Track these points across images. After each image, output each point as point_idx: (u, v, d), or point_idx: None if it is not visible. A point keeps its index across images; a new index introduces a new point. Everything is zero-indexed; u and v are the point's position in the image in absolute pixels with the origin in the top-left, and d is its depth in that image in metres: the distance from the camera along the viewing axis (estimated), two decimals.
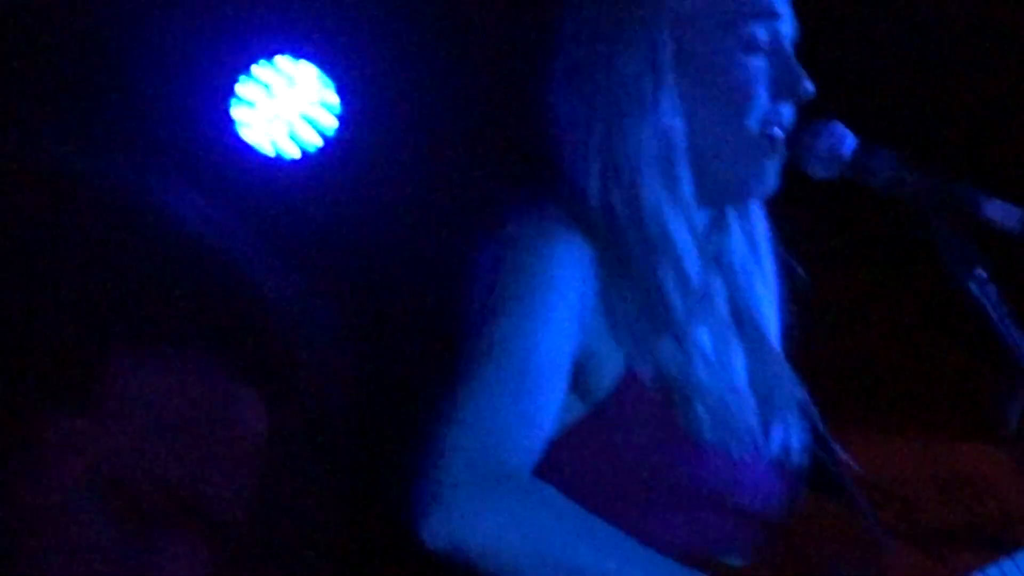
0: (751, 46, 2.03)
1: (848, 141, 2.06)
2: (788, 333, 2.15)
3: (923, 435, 4.33)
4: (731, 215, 2.12)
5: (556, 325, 1.91)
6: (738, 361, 2.08)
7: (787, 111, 2.05)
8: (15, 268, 0.99)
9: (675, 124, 2.02)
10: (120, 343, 0.98)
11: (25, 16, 3.81)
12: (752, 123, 2.03)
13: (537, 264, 1.93)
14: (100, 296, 0.97)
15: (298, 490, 1.11)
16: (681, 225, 2.02)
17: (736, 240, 2.12)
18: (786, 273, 2.15)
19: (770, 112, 2.04)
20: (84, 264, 0.98)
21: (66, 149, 1.06)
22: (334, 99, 4.15)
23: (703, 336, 2.02)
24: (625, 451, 1.96)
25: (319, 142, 4.17)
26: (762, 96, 2.03)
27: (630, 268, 1.98)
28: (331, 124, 4.17)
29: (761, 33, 2.04)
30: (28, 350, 0.96)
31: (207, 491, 1.00)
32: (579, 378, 1.95)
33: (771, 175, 2.06)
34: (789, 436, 2.06)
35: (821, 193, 2.13)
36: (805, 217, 2.13)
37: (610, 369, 1.97)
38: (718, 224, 2.11)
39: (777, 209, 2.14)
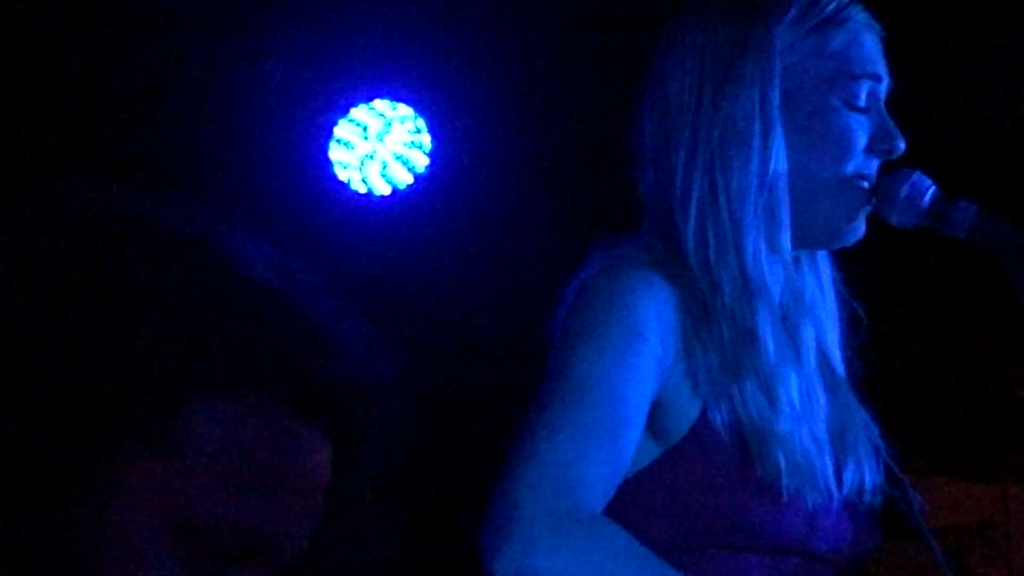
0: (853, 103, 2.06)
1: (928, 190, 2.07)
2: (852, 373, 2.16)
3: (1006, 477, 4.28)
4: (802, 255, 2.13)
5: (636, 367, 1.92)
6: (819, 405, 2.08)
7: (875, 165, 2.08)
8: (97, 312, 1.02)
9: (780, 169, 2.03)
10: (197, 389, 1.01)
11: (118, 59, 3.90)
12: (846, 174, 2.05)
13: (620, 306, 1.94)
14: (179, 342, 1.00)
15: (363, 531, 1.13)
16: (777, 272, 2.04)
17: (807, 280, 2.13)
18: (848, 313, 2.16)
19: (863, 165, 2.06)
20: (165, 310, 1.01)
21: (152, 194, 1.09)
22: (427, 140, 4.21)
23: (791, 382, 2.02)
24: (697, 495, 1.96)
25: (410, 180, 4.23)
26: (859, 148, 2.05)
27: (718, 312, 1.99)
28: (423, 163, 4.22)
29: (863, 91, 2.06)
30: (111, 393, 0.99)
31: (274, 532, 1.03)
32: (654, 420, 1.96)
33: (860, 224, 2.08)
34: (862, 477, 2.06)
35: (901, 238, 2.14)
36: (880, 260, 2.14)
37: (686, 413, 1.97)
38: (794, 265, 2.13)
39: (845, 252, 2.15)
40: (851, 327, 2.15)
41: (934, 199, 2.06)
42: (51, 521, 0.97)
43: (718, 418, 1.95)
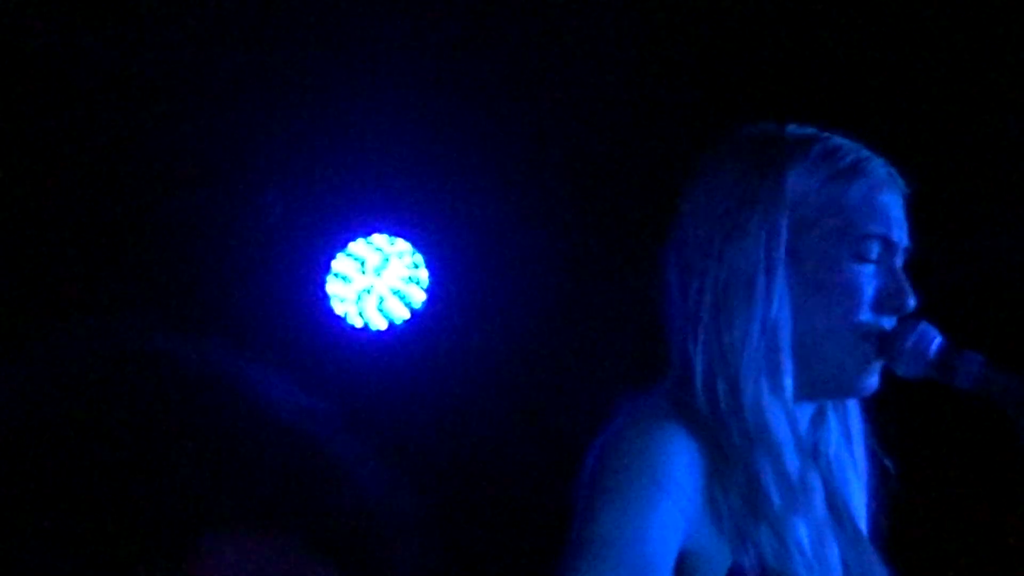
0: (863, 257, 2.06)
1: (935, 341, 2.07)
2: (877, 525, 2.14)
3: None
4: (828, 407, 2.13)
5: (660, 520, 1.92)
6: (833, 555, 2.06)
7: (888, 323, 2.08)
8: (120, 446, 1.02)
9: (782, 318, 2.03)
10: (215, 524, 1.00)
11: (115, 193, 3.93)
12: (854, 328, 2.05)
13: (641, 461, 1.95)
14: (199, 478, 1.01)
15: None
16: (781, 418, 2.03)
17: (832, 433, 2.13)
18: (876, 465, 2.15)
19: (873, 321, 2.06)
20: (187, 447, 1.02)
21: (160, 328, 1.10)
22: (425, 275, 4.23)
23: (800, 530, 2.01)
24: None
25: (407, 315, 4.24)
26: (867, 304, 2.06)
27: (732, 455, 1.99)
28: (420, 298, 4.24)
29: (875, 248, 2.07)
30: (130, 525, 0.99)
31: None
32: (683, 573, 1.95)
33: (871, 378, 2.07)
34: None
35: (918, 388, 2.14)
36: (898, 411, 2.14)
37: (716, 564, 1.96)
38: (817, 416, 2.12)
39: (871, 402, 2.15)
40: (881, 481, 2.14)
41: (941, 350, 2.07)
42: None
43: (746, 562, 1.95)
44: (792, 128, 2.12)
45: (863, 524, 2.14)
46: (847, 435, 2.13)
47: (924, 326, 2.07)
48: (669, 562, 1.92)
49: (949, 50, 3.77)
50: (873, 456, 2.15)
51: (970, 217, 3.90)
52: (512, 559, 3.95)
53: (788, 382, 2.03)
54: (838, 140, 2.11)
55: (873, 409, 2.15)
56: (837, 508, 2.10)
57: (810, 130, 2.12)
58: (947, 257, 3.68)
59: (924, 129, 3.72)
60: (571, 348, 4.15)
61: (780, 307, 2.03)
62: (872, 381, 2.08)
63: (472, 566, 3.93)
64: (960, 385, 2.05)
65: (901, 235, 2.10)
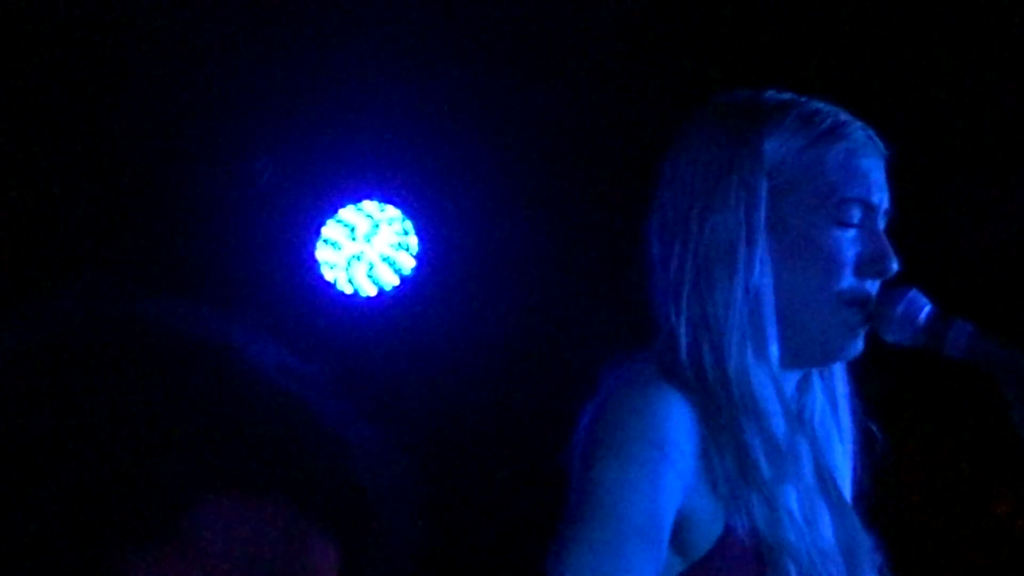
0: (844, 221, 2.06)
1: (924, 308, 2.07)
2: (863, 493, 2.15)
3: None
4: (814, 372, 2.13)
5: (659, 483, 1.94)
6: (823, 521, 2.07)
7: (872, 286, 2.07)
8: (109, 410, 1.02)
9: (765, 285, 2.04)
10: (206, 489, 1.00)
11: (101, 160, 3.92)
12: (837, 293, 2.05)
13: (639, 423, 1.96)
14: (190, 442, 1.00)
15: None
16: (767, 385, 2.04)
17: (817, 398, 2.13)
18: (863, 432, 2.15)
19: (856, 285, 2.06)
20: (177, 411, 1.01)
21: (149, 293, 1.10)
22: (415, 242, 4.23)
23: (790, 496, 2.02)
24: None
25: (396, 282, 4.24)
26: (849, 268, 2.05)
27: (721, 422, 2.00)
28: (410, 265, 4.24)
29: (856, 211, 2.06)
30: (121, 490, 0.99)
31: None
32: (678, 534, 1.96)
33: (855, 342, 2.07)
34: None
35: (901, 355, 2.14)
36: (883, 377, 2.14)
37: (710, 526, 1.98)
38: (802, 382, 2.12)
39: (858, 368, 2.15)
40: (866, 447, 2.15)
41: (930, 317, 2.07)
42: None
43: (739, 525, 1.96)
44: (769, 94, 2.12)
45: (847, 489, 2.15)
46: (832, 400, 2.14)
47: (913, 293, 2.07)
48: (669, 522, 1.93)
49: (931, 17, 3.77)
50: (858, 421, 2.15)
51: (955, 183, 3.90)
52: (501, 526, 3.96)
53: (773, 349, 2.04)
54: (816, 104, 2.11)
55: (859, 374, 2.15)
56: (822, 474, 2.11)
57: (787, 96, 2.12)
58: (933, 225, 3.68)
59: (904, 94, 3.72)
60: (561, 315, 4.16)
61: (762, 274, 2.03)
62: (856, 346, 2.08)
63: (462, 533, 3.95)
64: (949, 353, 2.05)
65: (882, 198, 2.10)
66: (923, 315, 2.07)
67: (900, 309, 2.07)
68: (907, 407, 3.67)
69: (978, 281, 3.76)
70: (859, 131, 2.10)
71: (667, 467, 1.94)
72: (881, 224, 2.10)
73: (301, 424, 1.05)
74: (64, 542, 0.97)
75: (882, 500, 2.16)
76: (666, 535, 1.93)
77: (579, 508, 1.92)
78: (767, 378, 2.04)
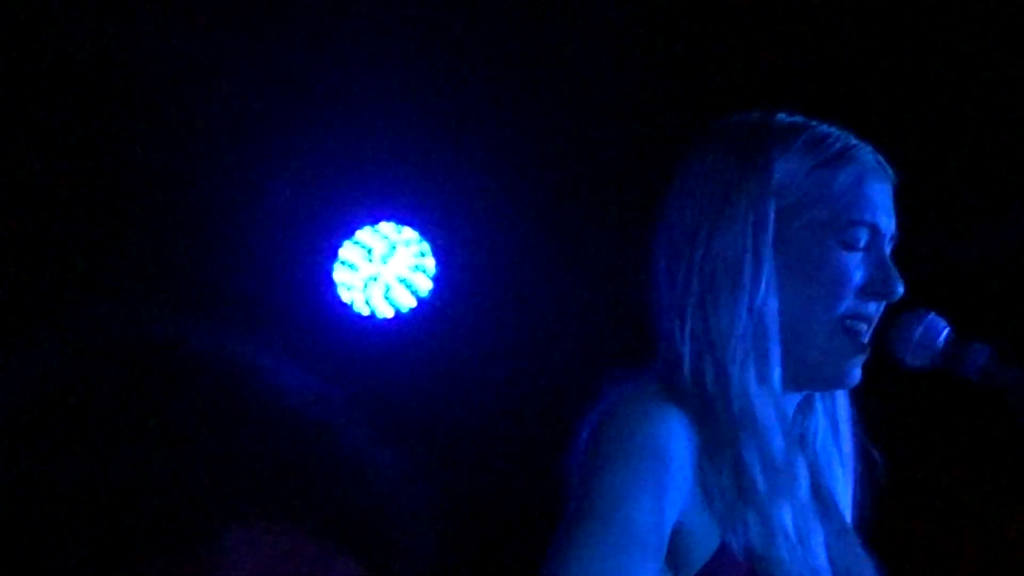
0: (850, 244, 2.06)
1: (942, 331, 2.07)
2: (862, 515, 2.15)
3: None
4: (816, 397, 2.13)
5: (658, 494, 1.94)
6: (817, 540, 2.07)
7: (875, 309, 2.07)
8: (134, 436, 1.02)
9: (769, 305, 2.04)
10: (230, 515, 1.00)
11: (122, 183, 3.94)
12: (838, 315, 2.05)
13: (639, 436, 1.96)
14: (214, 468, 1.00)
15: None
16: (768, 404, 2.04)
17: (819, 422, 2.13)
18: (863, 456, 2.15)
19: (856, 307, 2.06)
20: (202, 437, 1.01)
21: (174, 317, 1.10)
22: (431, 264, 4.23)
23: (785, 513, 2.02)
24: None
25: (413, 303, 4.25)
26: (852, 289, 2.05)
27: (720, 439, 2.00)
28: (426, 287, 4.24)
29: (862, 234, 2.07)
30: (145, 516, 0.99)
31: None
32: (674, 549, 1.96)
33: (855, 369, 2.07)
34: None
35: (915, 380, 2.14)
36: (895, 402, 2.14)
37: (705, 542, 1.98)
38: (804, 406, 2.13)
39: (865, 393, 2.15)
40: (867, 472, 2.15)
41: (949, 341, 2.07)
42: None
43: (734, 542, 1.96)
44: (780, 116, 2.12)
45: (848, 515, 2.14)
46: (834, 425, 2.14)
47: (932, 317, 2.07)
48: (666, 535, 1.93)
49: (939, 38, 3.77)
50: (861, 447, 2.15)
51: (964, 205, 3.89)
52: (520, 545, 3.96)
53: (776, 371, 2.04)
54: (826, 128, 2.11)
55: (862, 399, 2.15)
56: (823, 498, 2.11)
57: (798, 118, 2.12)
58: (942, 248, 3.67)
59: (914, 118, 3.72)
60: (576, 336, 4.16)
61: (767, 294, 2.04)
62: (855, 374, 2.08)
63: (481, 552, 3.94)
64: (967, 376, 2.05)
65: (888, 223, 2.10)
66: (941, 339, 2.07)
67: (919, 333, 2.07)
68: (914, 427, 3.67)
69: (989, 301, 3.75)
70: (868, 155, 2.11)
71: (668, 480, 1.94)
72: (887, 249, 2.10)
73: (325, 450, 1.05)
74: (90, 564, 0.97)
75: (887, 521, 2.16)
76: (664, 548, 1.93)
77: (579, 517, 1.92)
78: (768, 397, 2.04)
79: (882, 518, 2.15)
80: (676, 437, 1.97)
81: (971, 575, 4.20)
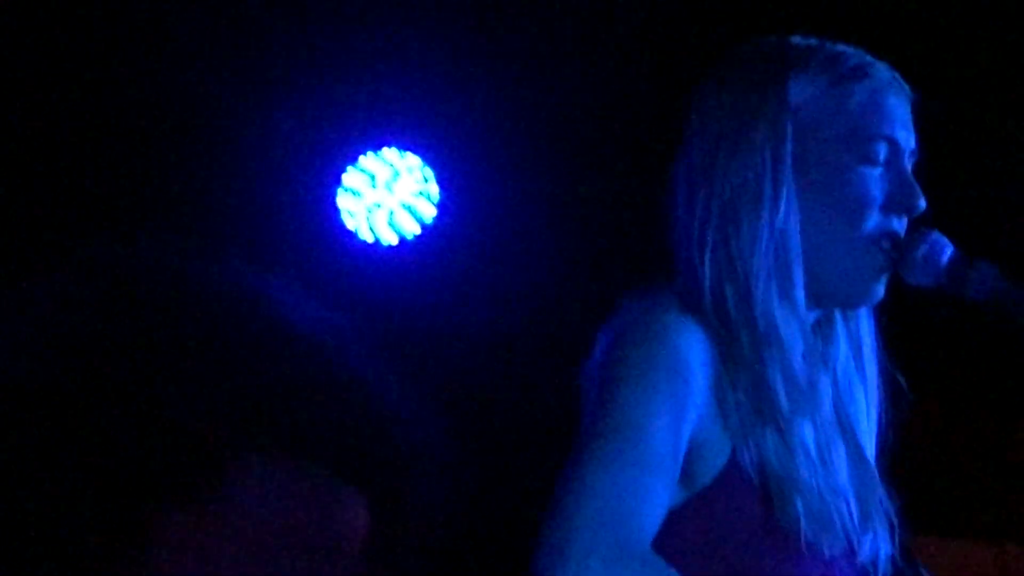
0: (870, 159, 2.06)
1: (947, 250, 2.06)
2: (886, 445, 2.15)
3: (1003, 538, 4.26)
4: (838, 319, 2.13)
5: (676, 407, 1.94)
6: (840, 461, 2.08)
7: (899, 224, 2.07)
8: (142, 367, 1.01)
9: (791, 225, 2.04)
10: (240, 448, 1.00)
11: (125, 112, 3.92)
12: (864, 233, 2.05)
13: (659, 348, 1.95)
14: (223, 400, 1.00)
15: None
16: (791, 324, 2.04)
17: (841, 348, 2.13)
18: (887, 382, 2.15)
19: (882, 224, 2.05)
20: (211, 367, 1.01)
21: (180, 246, 1.09)
22: (435, 190, 4.22)
23: (807, 432, 2.02)
24: (721, 542, 1.97)
25: (417, 230, 4.24)
26: (876, 208, 2.05)
27: (737, 360, 2.00)
28: (430, 213, 4.24)
29: (881, 149, 2.06)
30: (153, 449, 0.99)
31: None
32: (685, 464, 1.97)
33: (879, 285, 2.07)
34: (877, 546, 2.06)
35: (922, 302, 2.14)
36: (909, 326, 2.14)
37: (715, 458, 1.98)
38: (826, 327, 2.13)
39: (885, 317, 2.14)
40: (891, 400, 2.15)
41: (953, 260, 2.06)
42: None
43: (747, 458, 1.97)
44: (794, 38, 2.12)
45: (869, 440, 2.15)
46: (857, 351, 2.14)
47: (936, 235, 2.06)
48: (683, 448, 1.94)
49: None
50: (884, 372, 2.15)
51: (979, 133, 3.88)
52: (527, 473, 3.98)
53: (799, 290, 2.04)
54: (841, 47, 2.10)
55: (885, 326, 2.15)
56: (843, 422, 2.11)
57: (812, 40, 2.11)
58: (957, 172, 3.66)
59: (932, 44, 3.70)
60: (581, 260, 4.15)
61: (788, 214, 2.03)
62: (878, 290, 2.07)
63: (488, 481, 3.96)
64: (972, 296, 2.05)
65: (908, 137, 2.09)
66: (945, 257, 2.06)
67: (922, 251, 2.06)
68: (922, 354, 3.67)
69: (1001, 227, 3.75)
70: (885, 71, 2.10)
71: (686, 397, 1.94)
72: (908, 165, 2.09)
73: (337, 382, 1.04)
74: (101, 498, 0.97)
75: (897, 448, 2.16)
76: (680, 458, 1.94)
77: (597, 430, 1.91)
78: (791, 316, 2.04)
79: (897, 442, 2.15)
80: (695, 351, 1.97)
81: (980, 500, 4.22)
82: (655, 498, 1.90)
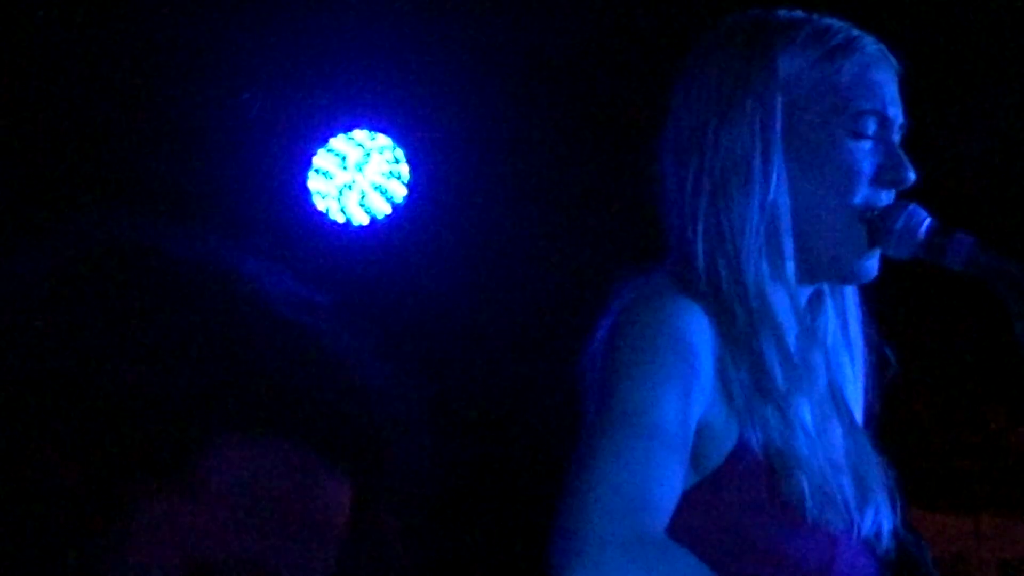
0: (859, 133, 2.05)
1: (924, 221, 2.07)
2: (873, 415, 2.15)
3: (979, 510, 4.29)
4: (826, 293, 2.13)
5: (684, 391, 1.92)
6: (836, 434, 2.08)
7: (887, 198, 2.07)
8: (121, 346, 1.01)
9: (780, 199, 2.04)
10: (219, 427, 0.99)
11: (104, 93, 3.90)
12: (854, 205, 2.04)
13: (663, 332, 1.94)
14: (202, 379, 0.99)
15: (386, 568, 1.12)
16: (783, 299, 2.04)
17: (829, 320, 2.13)
18: (875, 355, 2.15)
19: (871, 197, 2.05)
20: (188, 347, 1.00)
21: (154, 225, 1.08)
22: (406, 170, 4.22)
23: (804, 408, 2.02)
24: (733, 523, 1.96)
25: (388, 210, 4.24)
26: (865, 178, 2.05)
27: (738, 336, 2.00)
28: (401, 193, 4.23)
29: (870, 123, 2.06)
30: (132, 430, 0.98)
31: (291, 573, 1.01)
32: (694, 446, 1.96)
33: (871, 261, 2.07)
34: (879, 519, 2.06)
35: (908, 275, 2.14)
36: (895, 300, 2.14)
37: (724, 439, 1.97)
38: (815, 303, 2.12)
39: (870, 291, 2.14)
40: (879, 370, 2.15)
41: (930, 231, 2.06)
42: (70, 556, 0.96)
43: (753, 438, 1.96)
44: (781, 12, 2.11)
45: (857, 411, 2.15)
46: (844, 323, 2.14)
47: (913, 207, 2.06)
48: (692, 431, 1.93)
49: None
50: (870, 344, 2.15)
51: (964, 101, 3.88)
52: (505, 447, 3.98)
53: (790, 265, 2.04)
54: (828, 20, 2.10)
55: (871, 298, 2.15)
56: (835, 394, 2.11)
57: (799, 13, 2.11)
58: (941, 140, 3.67)
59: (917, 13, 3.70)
60: (551, 238, 4.15)
61: (778, 188, 2.03)
62: (870, 265, 2.07)
63: (466, 456, 3.95)
64: (950, 266, 2.05)
65: (896, 111, 2.09)
66: (923, 228, 2.06)
67: (900, 223, 2.06)
68: (905, 323, 3.68)
69: (979, 197, 3.75)
70: (872, 45, 2.09)
71: (692, 378, 1.93)
72: (896, 138, 2.09)
73: (314, 360, 1.04)
74: (82, 477, 0.97)
75: (893, 422, 2.16)
76: (690, 448, 1.93)
77: (605, 419, 1.89)
78: (783, 292, 2.04)
79: (889, 415, 2.15)
80: (698, 331, 1.96)
81: (962, 465, 4.24)
82: (668, 482, 1.89)
